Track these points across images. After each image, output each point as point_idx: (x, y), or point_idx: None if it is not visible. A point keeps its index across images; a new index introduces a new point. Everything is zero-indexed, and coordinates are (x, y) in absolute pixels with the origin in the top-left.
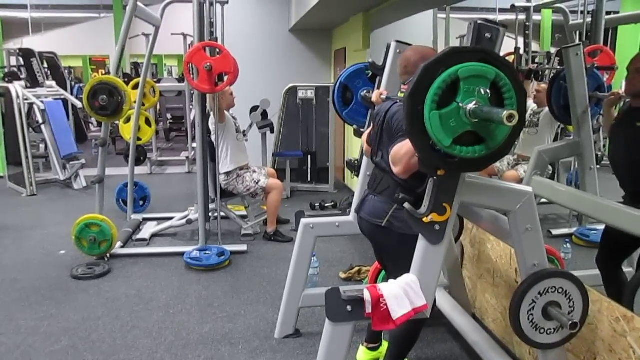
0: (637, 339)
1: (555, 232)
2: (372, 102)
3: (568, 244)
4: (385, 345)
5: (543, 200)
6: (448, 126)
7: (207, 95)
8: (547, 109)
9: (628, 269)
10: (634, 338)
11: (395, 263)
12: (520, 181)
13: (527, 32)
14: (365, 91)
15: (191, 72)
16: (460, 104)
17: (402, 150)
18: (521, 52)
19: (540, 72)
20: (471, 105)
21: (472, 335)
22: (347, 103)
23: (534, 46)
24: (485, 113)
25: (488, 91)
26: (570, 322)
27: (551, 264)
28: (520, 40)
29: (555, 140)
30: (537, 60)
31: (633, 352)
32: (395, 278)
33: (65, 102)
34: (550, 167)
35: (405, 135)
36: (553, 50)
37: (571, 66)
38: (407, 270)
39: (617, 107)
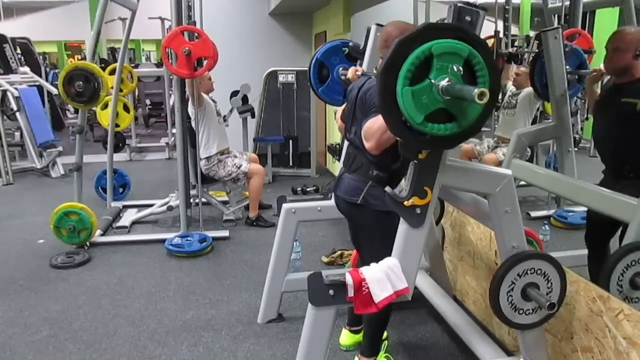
0: (613, 319)
1: (533, 214)
2: (348, 79)
3: (546, 226)
4: None
5: (522, 182)
6: (420, 103)
7: (186, 81)
8: (525, 90)
9: None
10: (610, 317)
11: (370, 240)
12: (499, 164)
13: (506, 15)
14: (341, 68)
15: (169, 57)
16: (433, 81)
17: (375, 125)
18: (501, 35)
19: (520, 56)
20: (444, 83)
21: (453, 317)
22: (323, 80)
23: (513, 30)
24: (457, 90)
25: (460, 68)
26: (549, 303)
27: (530, 245)
28: (500, 24)
29: (533, 122)
30: (516, 43)
31: (609, 331)
32: (369, 256)
33: (40, 88)
34: (529, 150)
35: (378, 110)
36: (532, 33)
37: (550, 49)
38: (382, 248)
39: (599, 84)
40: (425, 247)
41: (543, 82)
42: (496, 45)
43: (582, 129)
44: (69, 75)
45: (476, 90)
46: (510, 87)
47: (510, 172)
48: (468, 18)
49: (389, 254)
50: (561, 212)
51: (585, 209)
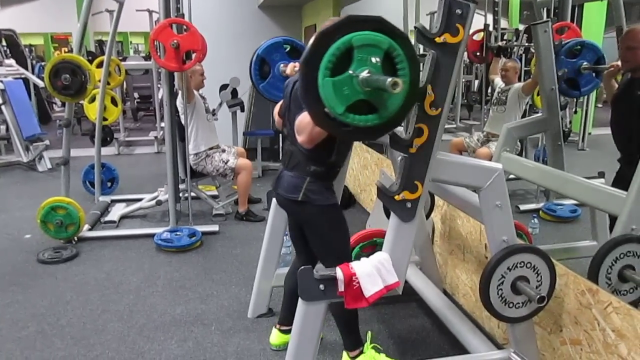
0: (602, 311)
1: (523, 207)
2: (287, 75)
3: (535, 219)
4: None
5: (511, 176)
6: (341, 94)
7: (176, 74)
8: (515, 86)
9: (593, 243)
10: (599, 310)
11: (319, 236)
12: (492, 158)
13: (496, 8)
14: (282, 65)
15: (158, 50)
16: (351, 72)
17: (306, 119)
18: (490, 29)
19: (509, 49)
20: (363, 74)
21: (443, 311)
22: (265, 77)
23: (503, 23)
24: (373, 81)
25: (378, 60)
26: (538, 296)
27: (519, 238)
28: (490, 17)
29: (523, 117)
30: (505, 37)
31: (597, 323)
32: (321, 251)
33: (26, 81)
34: (518, 144)
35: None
36: (521, 27)
37: (539, 43)
38: (332, 240)
39: (616, 78)
40: (416, 240)
41: (564, 78)
42: (485, 38)
43: (570, 122)
44: (56, 67)
45: (390, 80)
46: (500, 83)
47: (501, 166)
48: (459, 11)
49: (341, 245)
50: (550, 205)
51: (574, 202)
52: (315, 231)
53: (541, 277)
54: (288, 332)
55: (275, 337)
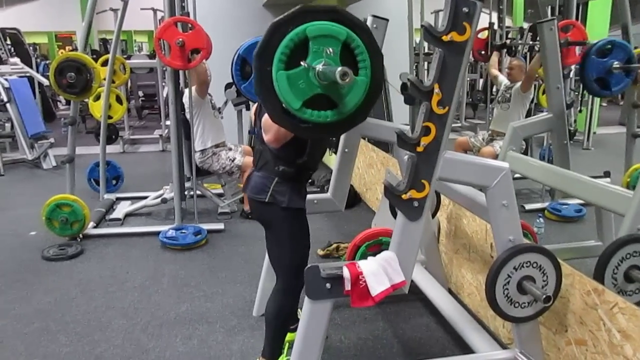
0: (607, 312)
1: (528, 206)
2: None
3: (541, 219)
4: None
5: (517, 175)
6: (297, 88)
7: (188, 72)
8: (518, 84)
9: (598, 243)
10: (604, 310)
11: (277, 242)
12: (496, 157)
13: (500, 7)
14: None
15: (162, 48)
16: (304, 64)
17: None
18: (495, 27)
19: (514, 48)
20: (319, 67)
21: (448, 310)
22: (246, 77)
23: (507, 22)
24: (322, 72)
25: (332, 50)
26: (544, 296)
27: (524, 238)
28: (495, 16)
29: (528, 115)
30: (510, 35)
31: (603, 324)
32: (276, 259)
33: (31, 79)
34: (524, 143)
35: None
36: (525, 25)
37: (545, 41)
38: (289, 247)
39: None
40: (421, 239)
41: (593, 78)
42: (490, 37)
43: (575, 121)
44: (61, 66)
45: (339, 69)
46: (504, 81)
47: (508, 165)
48: (465, 9)
49: (297, 256)
50: (555, 204)
51: (580, 201)
52: (276, 234)
53: (547, 276)
54: (294, 330)
55: None
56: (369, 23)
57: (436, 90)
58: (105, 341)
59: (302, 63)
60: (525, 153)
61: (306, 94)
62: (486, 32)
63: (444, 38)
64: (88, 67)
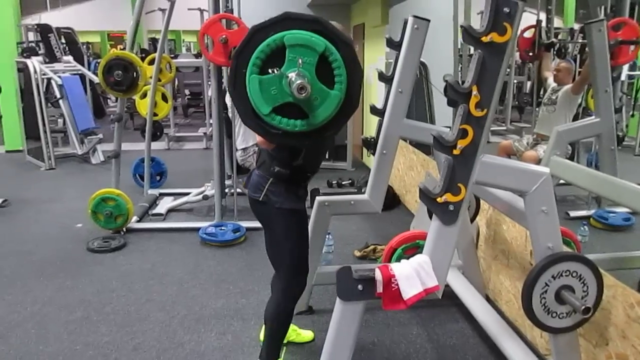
0: None
1: (573, 213)
2: None
3: (585, 227)
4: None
5: (562, 181)
6: (269, 93)
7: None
8: (566, 87)
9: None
10: None
11: (275, 240)
12: (539, 161)
13: (549, 7)
14: None
15: (207, 45)
16: (272, 71)
17: None
18: (543, 24)
19: (564, 49)
20: (292, 75)
21: (484, 317)
22: None
23: (557, 22)
24: (290, 81)
25: (301, 61)
26: (583, 307)
27: (567, 246)
28: (543, 15)
29: (575, 119)
30: (560, 36)
31: None
32: (275, 258)
33: (82, 77)
34: (569, 147)
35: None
36: (577, 26)
37: (593, 42)
38: (283, 248)
39: None
40: (459, 244)
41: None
42: (537, 34)
43: (627, 125)
44: (109, 64)
45: (297, 82)
46: (552, 84)
47: (548, 170)
48: (506, 9)
49: (295, 255)
50: (602, 212)
51: (628, 210)
52: (272, 234)
53: (587, 287)
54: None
55: (263, 334)
56: (409, 24)
57: (474, 92)
58: (143, 333)
59: (269, 70)
60: (571, 158)
61: (277, 101)
62: (532, 30)
63: (484, 39)
64: (134, 65)
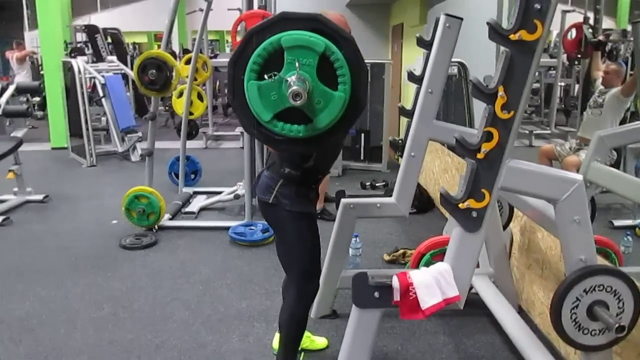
0: None
1: (617, 222)
2: None
3: (629, 237)
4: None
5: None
6: (269, 99)
7: None
8: (614, 89)
9: None
10: None
11: (285, 243)
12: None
13: (597, 6)
14: None
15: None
16: (268, 77)
17: None
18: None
19: (615, 51)
20: (292, 79)
21: (515, 329)
22: None
23: (609, 23)
24: (287, 88)
25: (299, 63)
26: (617, 325)
27: (607, 258)
28: (591, 14)
29: (622, 124)
30: (611, 38)
31: None
32: (285, 261)
33: (125, 76)
34: (614, 153)
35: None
36: (630, 28)
37: (639, 42)
38: (293, 252)
39: None
40: (491, 251)
41: None
42: (584, 33)
43: None
44: (144, 63)
45: (292, 89)
46: (599, 86)
47: (581, 177)
48: (537, 6)
49: (305, 259)
50: None
51: None
52: (282, 238)
53: (623, 303)
54: None
55: (277, 341)
56: (441, 22)
57: (500, 93)
58: (166, 332)
59: (265, 76)
60: (617, 165)
61: (278, 107)
62: (575, 29)
63: (512, 37)
64: (168, 64)
